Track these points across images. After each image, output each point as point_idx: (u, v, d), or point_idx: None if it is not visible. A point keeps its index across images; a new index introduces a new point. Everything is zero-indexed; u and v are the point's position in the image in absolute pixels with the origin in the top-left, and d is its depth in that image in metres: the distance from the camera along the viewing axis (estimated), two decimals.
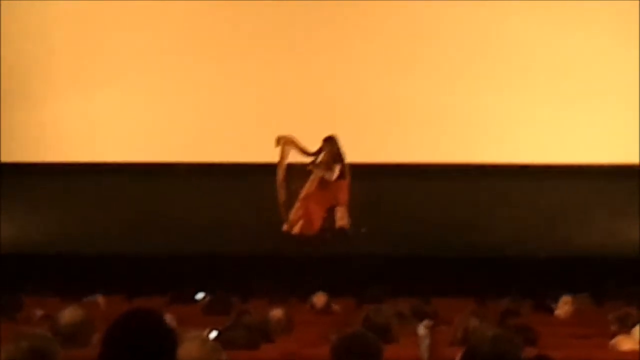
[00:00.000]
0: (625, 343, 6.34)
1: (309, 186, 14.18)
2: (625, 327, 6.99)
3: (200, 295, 11.43)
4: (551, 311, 10.18)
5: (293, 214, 14.10)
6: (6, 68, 15.65)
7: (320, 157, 14.04)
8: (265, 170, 14.01)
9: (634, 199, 14.03)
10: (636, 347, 6.41)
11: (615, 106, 15.32)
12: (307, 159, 14.09)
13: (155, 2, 15.85)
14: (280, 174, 13.93)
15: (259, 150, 14.58)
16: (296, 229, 14.06)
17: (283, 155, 13.95)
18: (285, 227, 14.06)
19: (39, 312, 8.83)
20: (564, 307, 9.97)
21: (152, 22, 15.94)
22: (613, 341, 6.52)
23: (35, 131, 15.85)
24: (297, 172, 14.08)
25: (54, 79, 15.96)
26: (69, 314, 5.65)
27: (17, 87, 15.75)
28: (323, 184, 14.06)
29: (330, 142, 13.92)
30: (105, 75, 15.89)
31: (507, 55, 15.53)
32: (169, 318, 6.15)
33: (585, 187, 15.00)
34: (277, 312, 7.37)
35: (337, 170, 13.88)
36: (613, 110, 15.30)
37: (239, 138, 15.59)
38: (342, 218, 14.00)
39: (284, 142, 13.93)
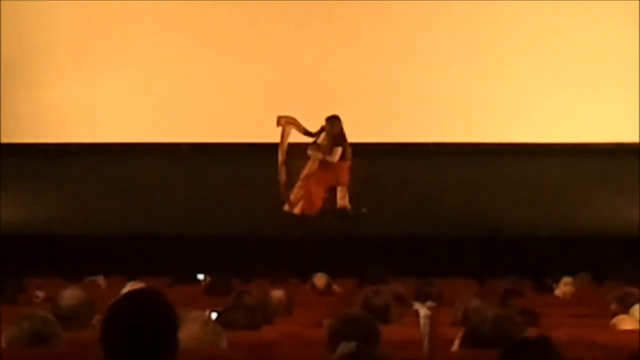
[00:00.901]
0: (625, 322, 6.34)
1: (310, 166, 14.17)
2: (625, 307, 7.00)
3: (201, 276, 11.44)
4: (552, 291, 10.20)
5: (294, 194, 14.10)
6: (7, 50, 15.65)
7: (322, 138, 14.02)
8: (266, 150, 14.00)
9: (634, 178, 14.04)
10: (636, 326, 6.42)
11: (616, 86, 15.34)
12: (309, 139, 14.07)
13: None
14: (281, 154, 13.91)
15: (260, 130, 14.59)
16: (297, 210, 14.05)
17: (284, 136, 13.92)
18: (286, 207, 14.05)
19: (40, 294, 8.84)
20: (564, 288, 9.99)
21: (153, 5, 15.93)
22: (613, 321, 6.53)
23: (35, 112, 15.86)
24: (298, 153, 14.06)
25: (53, 61, 15.97)
26: (69, 295, 5.65)
27: (17, 69, 15.75)
28: (324, 164, 14.04)
29: (332, 122, 13.88)
30: (105, 57, 15.91)
31: (509, 37, 15.55)
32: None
33: (586, 166, 15.04)
34: (277, 293, 7.37)
35: (338, 152, 13.85)
36: (613, 90, 15.33)
37: (239, 118, 15.61)
38: (342, 198, 14.00)
39: (285, 122, 13.90)
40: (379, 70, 15.53)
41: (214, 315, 5.81)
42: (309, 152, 14.07)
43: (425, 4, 15.75)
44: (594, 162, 15.04)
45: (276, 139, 13.92)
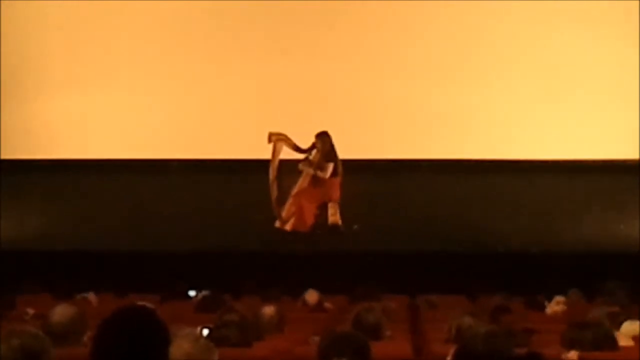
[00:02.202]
0: (618, 340, 6.34)
1: (301, 183, 14.18)
2: (616, 324, 7.00)
3: (192, 293, 11.42)
4: (543, 308, 10.19)
5: (285, 210, 14.11)
6: (4, 66, 15.63)
7: (313, 154, 14.04)
8: (258, 166, 14.00)
9: (632, 195, 14.04)
10: (628, 343, 6.43)
11: (614, 102, 15.32)
12: (300, 156, 14.09)
13: (149, 1, 15.86)
14: (273, 171, 13.92)
15: (251, 147, 14.58)
16: (288, 226, 14.06)
17: (275, 152, 13.94)
18: (277, 223, 14.06)
19: (30, 310, 8.81)
20: (555, 307, 9.98)
21: (147, 21, 15.94)
22: None
23: (30, 128, 15.83)
24: (290, 169, 14.07)
25: (47, 79, 15.94)
26: (60, 312, 5.64)
27: (15, 85, 15.73)
28: (315, 180, 14.06)
29: (322, 139, 13.91)
30: (102, 73, 15.89)
31: (504, 53, 15.53)
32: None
33: (583, 183, 15.01)
34: (269, 310, 7.36)
35: (330, 168, 13.87)
36: (612, 106, 15.30)
37: (231, 135, 15.59)
38: (334, 214, 14.01)
39: (276, 139, 13.93)
40: (371, 86, 15.53)
41: (205, 332, 5.80)
42: (301, 166, 14.10)
43: (419, 19, 15.74)
44: (591, 179, 15.01)
45: (267, 155, 13.93)
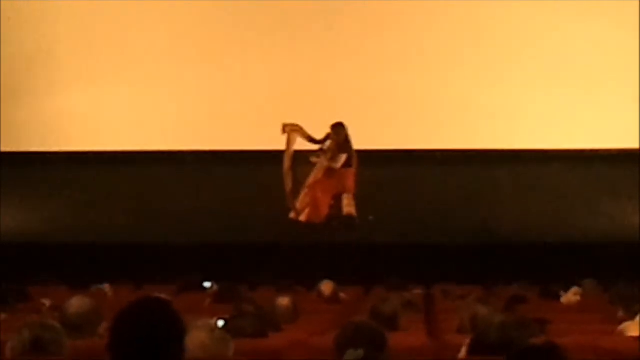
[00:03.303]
0: (632, 329, 6.34)
1: (316, 174, 14.17)
2: (632, 313, 6.99)
3: (207, 284, 11.44)
4: (558, 297, 10.18)
5: (300, 201, 14.10)
6: (8, 59, 15.68)
7: (327, 145, 14.03)
8: (272, 158, 14.01)
9: (637, 184, 14.01)
10: None
11: (616, 92, 15.33)
12: (314, 147, 14.08)
13: None
14: (287, 161, 13.92)
15: (266, 138, 14.59)
16: (303, 217, 14.05)
17: (289, 143, 13.93)
18: (292, 215, 14.06)
19: (47, 302, 8.84)
20: (571, 297, 9.96)
21: (156, 14, 15.98)
22: (620, 327, 6.52)
23: (37, 121, 15.88)
24: (304, 160, 14.07)
25: (54, 70, 16.00)
26: (76, 303, 5.66)
27: (17, 78, 15.78)
28: (330, 171, 14.05)
29: (337, 130, 13.89)
30: (107, 66, 15.95)
31: (510, 43, 15.59)
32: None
33: (590, 172, 15.02)
34: (284, 301, 7.38)
35: (342, 158, 13.86)
36: (614, 96, 15.32)
37: (245, 126, 15.62)
38: (349, 205, 13.99)
39: (291, 129, 13.92)
40: (386, 77, 15.54)
41: (220, 323, 5.81)
42: (313, 159, 14.08)
43: (429, 11, 15.76)
44: (597, 168, 15.03)
45: (282, 146, 13.93)
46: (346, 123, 13.91)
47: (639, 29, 15.25)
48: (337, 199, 14.09)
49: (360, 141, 14.01)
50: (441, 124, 15.63)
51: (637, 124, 15.17)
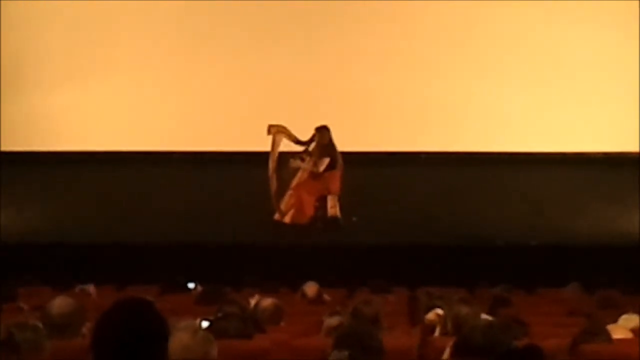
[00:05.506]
0: (616, 332, 6.35)
1: (301, 175, 14.17)
2: (614, 316, 7.02)
3: (191, 285, 11.43)
4: (542, 300, 10.20)
5: (285, 203, 14.10)
6: (4, 58, 15.63)
7: (311, 147, 14.04)
8: (257, 159, 13.99)
9: (632, 188, 14.04)
10: (627, 335, 6.43)
11: (615, 94, 15.32)
12: (299, 148, 14.09)
13: None
14: (272, 163, 13.91)
15: (251, 139, 14.58)
16: (288, 218, 14.05)
17: (275, 145, 13.93)
18: (276, 216, 14.05)
19: (29, 302, 8.81)
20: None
21: (145, 14, 15.96)
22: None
23: (27, 121, 15.83)
24: (289, 161, 14.07)
25: (47, 70, 15.95)
26: (59, 304, 5.65)
27: (13, 77, 15.73)
28: (314, 173, 14.05)
29: (321, 132, 13.90)
30: (97, 66, 15.91)
31: (504, 45, 15.55)
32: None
33: (582, 175, 15.04)
34: (268, 302, 7.37)
35: (325, 162, 13.87)
36: (612, 99, 15.30)
37: (230, 127, 15.61)
38: (333, 207, 14.00)
39: (276, 131, 13.91)
40: (370, 79, 15.54)
41: (204, 324, 5.80)
42: (292, 163, 14.06)
43: (418, 12, 15.75)
44: (590, 171, 15.04)
45: (267, 147, 13.92)
46: (331, 125, 13.91)
47: (639, 31, 15.23)
48: (322, 200, 14.09)
49: (344, 143, 14.02)
50: (429, 126, 15.63)
51: (636, 127, 15.14)
